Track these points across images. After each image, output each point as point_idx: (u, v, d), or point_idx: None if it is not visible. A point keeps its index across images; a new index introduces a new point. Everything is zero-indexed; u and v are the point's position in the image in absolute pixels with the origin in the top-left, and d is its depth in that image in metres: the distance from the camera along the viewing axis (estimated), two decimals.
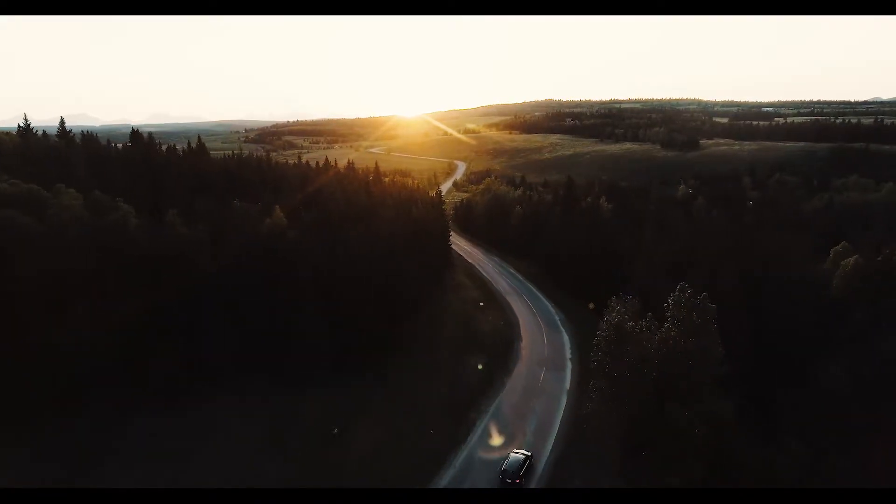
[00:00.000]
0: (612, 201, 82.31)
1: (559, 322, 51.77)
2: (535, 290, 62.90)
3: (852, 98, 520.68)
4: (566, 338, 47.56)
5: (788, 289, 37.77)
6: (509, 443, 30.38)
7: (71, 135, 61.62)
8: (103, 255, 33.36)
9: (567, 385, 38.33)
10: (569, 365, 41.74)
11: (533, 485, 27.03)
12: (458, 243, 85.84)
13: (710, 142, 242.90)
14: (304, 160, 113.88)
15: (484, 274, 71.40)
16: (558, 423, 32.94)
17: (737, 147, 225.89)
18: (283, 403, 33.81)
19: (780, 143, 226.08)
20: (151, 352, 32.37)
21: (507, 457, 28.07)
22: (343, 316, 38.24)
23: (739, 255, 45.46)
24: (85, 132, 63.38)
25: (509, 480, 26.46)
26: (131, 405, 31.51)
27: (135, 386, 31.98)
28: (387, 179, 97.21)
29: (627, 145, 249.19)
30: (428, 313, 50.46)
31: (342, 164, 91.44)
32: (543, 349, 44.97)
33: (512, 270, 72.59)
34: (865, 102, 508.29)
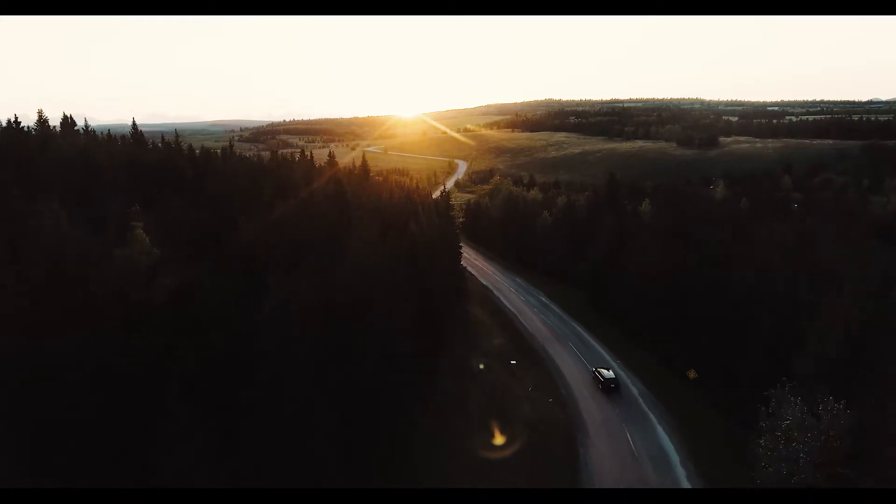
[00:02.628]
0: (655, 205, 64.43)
1: (640, 398, 32.88)
2: (586, 334, 43.61)
3: (852, 98, 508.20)
4: (663, 434, 28.77)
5: None
6: None
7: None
8: None
9: None
10: None
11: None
12: (467, 255, 67.09)
13: (730, 139, 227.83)
14: (280, 156, 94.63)
15: (507, 304, 52.81)
16: None
17: (759, 145, 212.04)
18: None
19: (807, 141, 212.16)
20: None
21: (598, 373, 34.26)
22: (276, 428, 19.70)
23: None
24: None
25: (613, 385, 33.14)
26: None
27: None
28: (379, 179, 78.71)
29: (640, 143, 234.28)
30: (433, 387, 32.00)
31: (326, 161, 72.72)
32: (632, 463, 26.27)
33: (545, 300, 53.88)
34: (869, 102, 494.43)
